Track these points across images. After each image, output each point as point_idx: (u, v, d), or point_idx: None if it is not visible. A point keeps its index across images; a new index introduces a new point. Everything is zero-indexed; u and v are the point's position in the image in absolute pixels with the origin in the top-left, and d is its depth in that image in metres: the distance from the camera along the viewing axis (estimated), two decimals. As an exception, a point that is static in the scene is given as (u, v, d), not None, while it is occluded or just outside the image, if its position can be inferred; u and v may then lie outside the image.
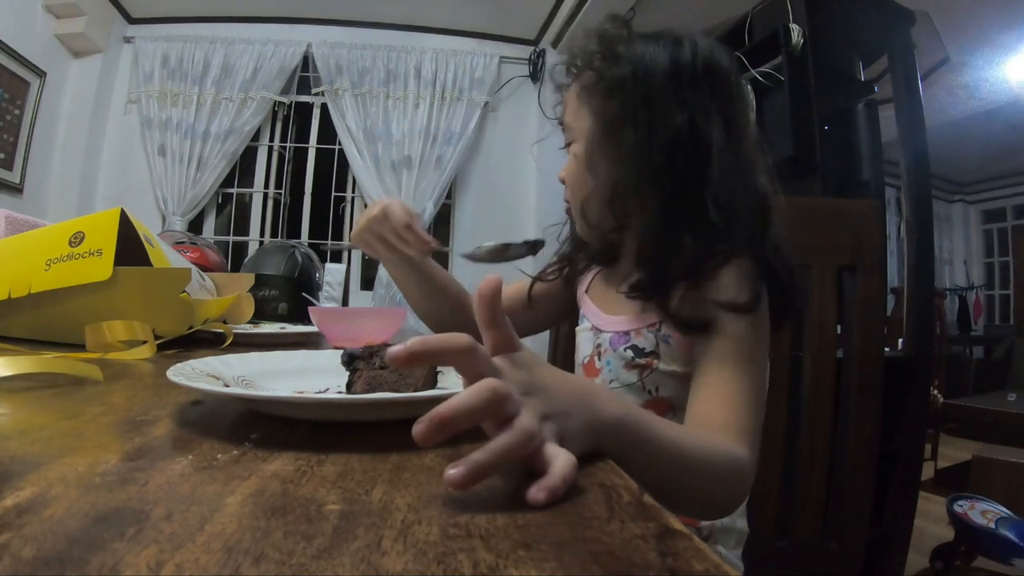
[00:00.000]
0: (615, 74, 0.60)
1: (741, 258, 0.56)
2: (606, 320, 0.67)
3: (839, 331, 0.89)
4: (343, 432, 0.34)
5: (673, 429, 0.42)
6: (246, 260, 1.61)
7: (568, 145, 0.66)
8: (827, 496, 0.85)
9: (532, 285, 0.79)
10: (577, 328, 0.74)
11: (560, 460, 0.26)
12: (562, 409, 0.31)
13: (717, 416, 0.50)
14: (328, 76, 2.99)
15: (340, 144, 3.03)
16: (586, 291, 0.74)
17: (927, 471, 2.38)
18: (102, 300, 0.68)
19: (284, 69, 2.99)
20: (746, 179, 0.58)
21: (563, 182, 0.68)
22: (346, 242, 3.03)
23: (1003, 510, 1.68)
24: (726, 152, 0.57)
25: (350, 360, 0.45)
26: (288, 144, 3.13)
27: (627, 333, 0.63)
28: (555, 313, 0.82)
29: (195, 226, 3.00)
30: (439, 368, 0.46)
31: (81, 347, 0.64)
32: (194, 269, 0.88)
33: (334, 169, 3.12)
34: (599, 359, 0.66)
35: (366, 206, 3.01)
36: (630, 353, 0.62)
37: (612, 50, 0.63)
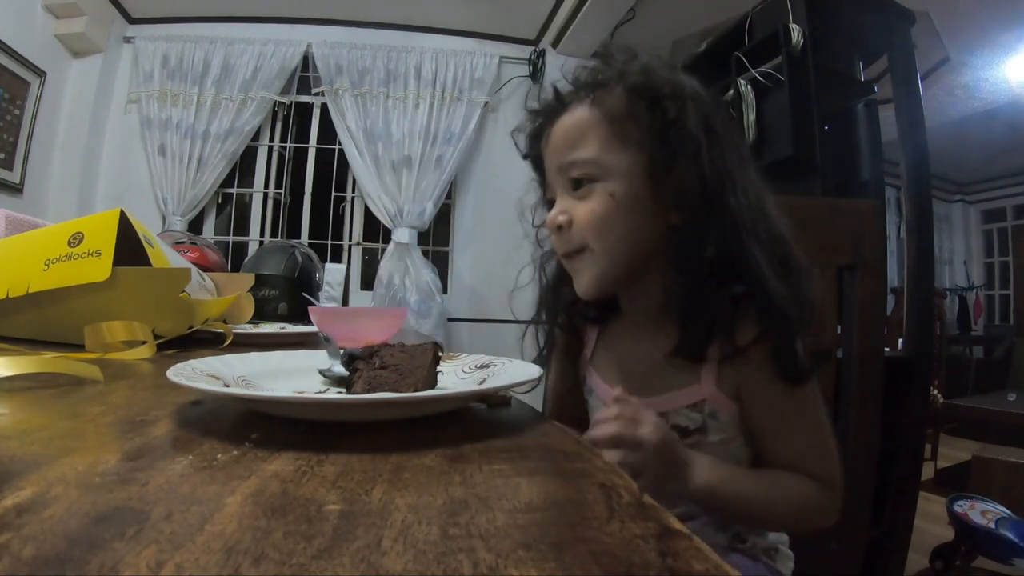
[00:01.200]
0: (686, 111, 0.53)
1: (773, 322, 0.52)
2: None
3: (839, 331, 0.89)
4: (343, 432, 0.34)
5: (760, 485, 0.54)
6: (246, 260, 1.61)
7: (586, 182, 0.56)
8: (827, 496, 0.85)
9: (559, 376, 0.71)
10: (587, 397, 0.67)
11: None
12: (655, 473, 0.48)
13: (803, 467, 0.56)
14: (328, 76, 2.99)
15: (340, 144, 3.03)
16: (590, 359, 0.66)
17: (927, 471, 2.38)
18: (101, 300, 0.68)
19: (284, 69, 2.99)
20: (776, 229, 0.55)
21: (561, 227, 0.57)
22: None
23: (1003, 510, 1.68)
24: (762, 202, 0.55)
25: (350, 360, 0.45)
26: (288, 144, 3.13)
27: (663, 414, 0.56)
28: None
29: (195, 226, 3.00)
30: (439, 368, 0.46)
31: (81, 347, 0.64)
32: (194, 269, 0.88)
33: (334, 169, 3.12)
34: None
35: (366, 206, 3.01)
36: (674, 435, 0.56)
37: (673, 81, 0.55)
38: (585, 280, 0.58)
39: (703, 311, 0.53)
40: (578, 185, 0.56)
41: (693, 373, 0.57)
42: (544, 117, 0.61)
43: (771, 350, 0.53)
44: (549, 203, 0.61)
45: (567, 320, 0.67)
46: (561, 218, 0.57)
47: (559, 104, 0.59)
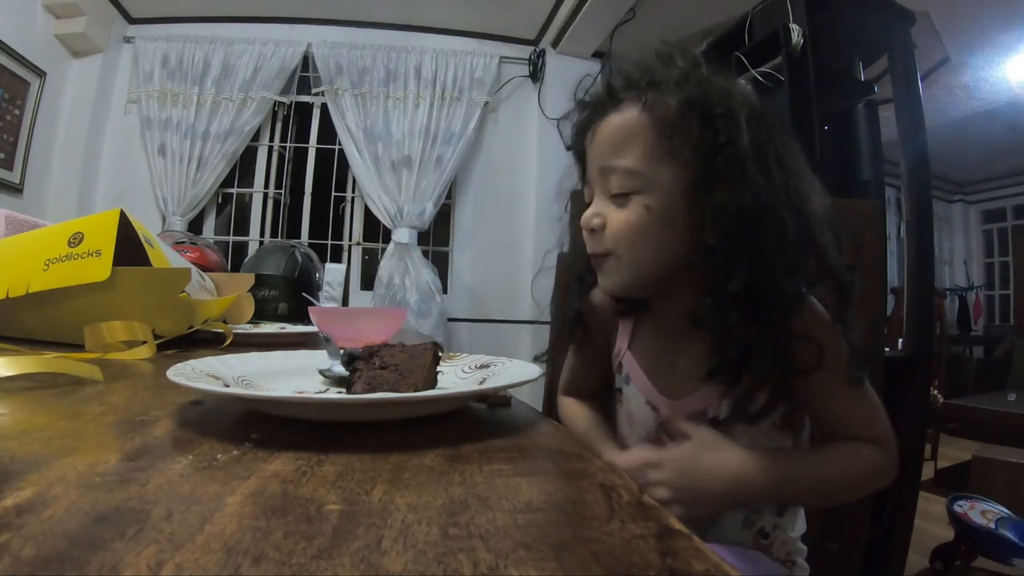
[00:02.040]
0: (726, 127, 0.51)
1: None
2: (669, 403, 0.60)
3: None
4: (343, 432, 0.34)
5: (828, 464, 0.55)
6: (246, 260, 1.61)
7: (627, 194, 0.54)
8: (827, 496, 0.85)
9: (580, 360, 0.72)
10: (622, 385, 0.66)
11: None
12: (694, 499, 0.51)
13: (856, 430, 0.56)
14: (328, 76, 2.99)
15: (340, 144, 3.03)
16: (628, 347, 0.65)
17: (927, 471, 2.38)
18: (101, 300, 0.68)
19: (284, 69, 2.99)
20: (821, 251, 0.53)
21: (595, 230, 0.56)
22: None
23: (1003, 510, 1.68)
24: (823, 221, 0.53)
25: (350, 360, 0.45)
26: (288, 144, 3.13)
27: (703, 411, 0.58)
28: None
29: (195, 226, 3.00)
30: (439, 368, 0.46)
31: (81, 347, 0.64)
32: (194, 269, 0.88)
33: (334, 169, 3.12)
34: (669, 437, 0.60)
35: (366, 206, 3.01)
36: (722, 426, 0.57)
37: (728, 99, 0.53)
38: (608, 282, 0.58)
39: (730, 338, 0.52)
40: (615, 195, 0.55)
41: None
42: (592, 111, 0.58)
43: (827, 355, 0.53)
44: (587, 197, 0.61)
45: (590, 308, 0.66)
46: (596, 221, 0.56)
47: (610, 100, 0.57)
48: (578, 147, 0.60)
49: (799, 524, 0.65)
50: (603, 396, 0.72)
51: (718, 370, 0.53)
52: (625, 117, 0.55)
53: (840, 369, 0.53)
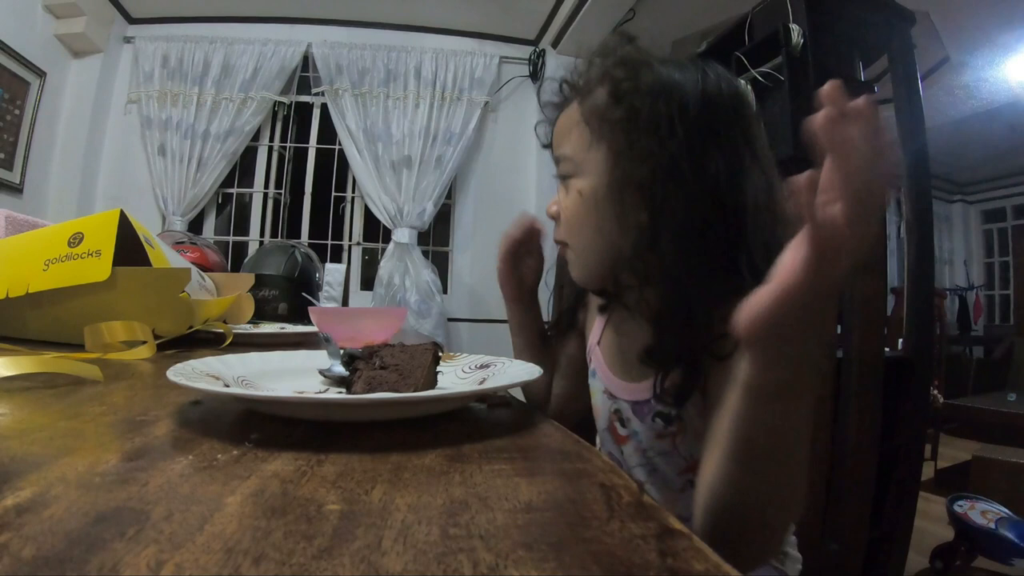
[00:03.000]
0: (647, 105, 0.50)
1: None
2: (622, 387, 0.60)
3: (839, 331, 0.89)
4: (343, 432, 0.34)
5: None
6: (246, 260, 1.61)
7: (566, 177, 0.57)
8: (827, 496, 0.85)
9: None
10: (590, 380, 0.67)
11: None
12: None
13: None
14: (328, 76, 2.99)
15: (340, 144, 3.03)
16: (598, 342, 0.66)
17: (927, 471, 2.38)
18: (101, 300, 0.68)
19: (284, 69, 2.99)
20: (783, 234, 0.47)
21: (554, 218, 0.59)
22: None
23: (1003, 510, 1.68)
24: (763, 207, 0.49)
25: (350, 360, 0.45)
26: (288, 144, 3.13)
27: (649, 400, 0.56)
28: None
29: (195, 226, 3.00)
30: (439, 368, 0.46)
31: (81, 347, 0.64)
32: (194, 269, 0.88)
33: (334, 169, 3.12)
34: (622, 426, 0.61)
35: (366, 206, 3.01)
36: (660, 422, 0.56)
37: (637, 74, 0.52)
38: (572, 272, 0.60)
39: (677, 325, 0.49)
40: (564, 180, 0.58)
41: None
42: (555, 110, 0.62)
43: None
44: None
45: (574, 305, 0.69)
46: (552, 208, 0.59)
47: (563, 99, 0.61)
48: (548, 143, 0.64)
49: None
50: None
51: (648, 355, 0.52)
52: (569, 111, 0.58)
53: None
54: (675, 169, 0.49)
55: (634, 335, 0.58)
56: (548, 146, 0.64)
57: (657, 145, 0.49)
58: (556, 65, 3.08)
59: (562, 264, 0.66)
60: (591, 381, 0.67)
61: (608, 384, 0.62)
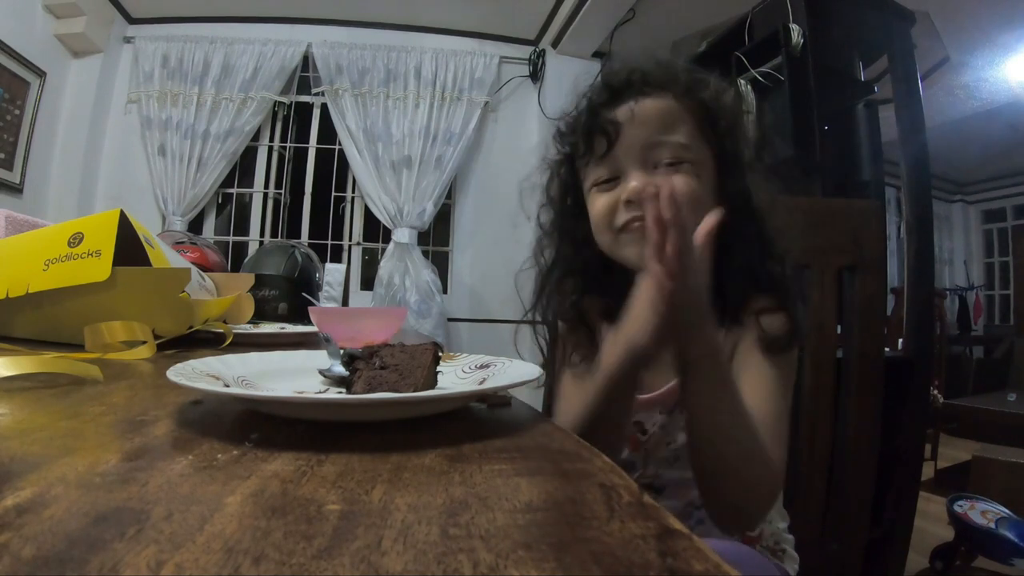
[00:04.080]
0: (740, 121, 0.61)
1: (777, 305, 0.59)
2: (642, 398, 0.62)
3: (839, 331, 0.89)
4: (343, 432, 0.34)
5: (738, 400, 0.50)
6: (246, 260, 1.61)
7: (678, 163, 0.58)
8: (827, 496, 0.85)
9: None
10: None
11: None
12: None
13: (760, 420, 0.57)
14: (328, 76, 2.99)
15: (340, 144, 3.03)
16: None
17: (927, 471, 2.38)
18: (101, 300, 0.68)
19: (284, 69, 2.99)
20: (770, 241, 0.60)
21: (646, 200, 0.53)
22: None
23: (1003, 510, 1.68)
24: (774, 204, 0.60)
25: (350, 360, 0.45)
26: (288, 144, 3.13)
27: (657, 402, 0.62)
28: None
29: (195, 226, 3.00)
30: (439, 368, 0.46)
31: (81, 347, 0.64)
32: (194, 269, 0.88)
33: (334, 169, 3.12)
34: (642, 434, 0.63)
35: (366, 206, 3.01)
36: (686, 415, 0.58)
37: (728, 90, 0.62)
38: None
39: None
40: (668, 164, 0.58)
41: None
42: (620, 94, 0.61)
43: (766, 318, 0.58)
44: (604, 180, 0.62)
45: (576, 312, 0.65)
46: (651, 189, 0.56)
47: (644, 86, 0.60)
48: (592, 124, 0.61)
49: (783, 515, 0.68)
50: None
51: None
52: (665, 103, 0.59)
53: (763, 342, 0.58)
54: (746, 169, 0.59)
55: None
56: (588, 128, 0.62)
57: (739, 157, 0.59)
58: (556, 65, 3.08)
59: (566, 263, 0.66)
60: None
61: None
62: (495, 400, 0.44)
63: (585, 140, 0.62)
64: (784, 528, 0.66)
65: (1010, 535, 1.58)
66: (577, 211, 0.66)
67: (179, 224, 2.84)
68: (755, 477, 0.50)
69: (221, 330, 0.81)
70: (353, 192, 3.13)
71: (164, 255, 0.82)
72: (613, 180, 0.60)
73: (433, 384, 0.44)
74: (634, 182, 0.58)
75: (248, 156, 3.08)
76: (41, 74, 2.61)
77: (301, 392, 0.43)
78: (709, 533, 0.58)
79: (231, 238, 3.12)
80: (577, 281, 0.66)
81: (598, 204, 0.61)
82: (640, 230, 0.57)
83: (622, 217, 0.59)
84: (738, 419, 0.49)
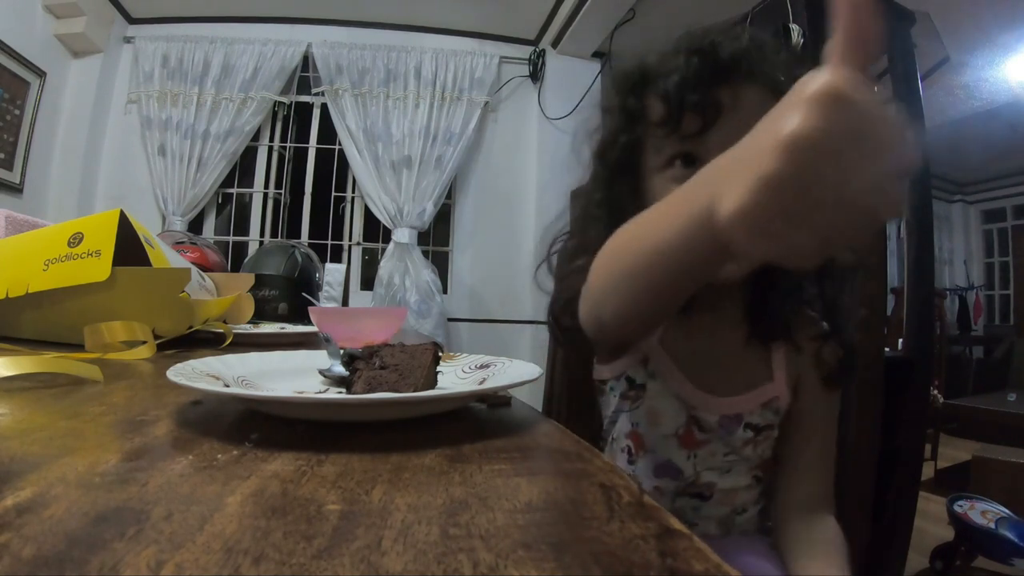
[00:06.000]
0: None
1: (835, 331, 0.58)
2: (708, 400, 0.58)
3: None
4: (343, 432, 0.34)
5: None
6: (246, 260, 1.61)
7: None
8: (827, 496, 0.85)
9: None
10: (643, 381, 0.60)
11: None
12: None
13: (816, 491, 0.58)
14: (328, 76, 2.99)
15: (340, 144, 3.03)
16: (659, 340, 0.60)
17: (927, 471, 2.38)
18: (101, 301, 0.68)
19: (284, 69, 2.99)
20: None
21: None
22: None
23: (1003, 510, 1.68)
24: None
25: (350, 360, 0.45)
26: (288, 144, 3.13)
27: (739, 415, 0.58)
28: None
29: (195, 226, 3.00)
30: (439, 368, 0.46)
31: (81, 347, 0.64)
32: (194, 269, 0.88)
33: (334, 169, 3.12)
34: (700, 430, 0.58)
35: (366, 206, 3.01)
36: (750, 433, 0.58)
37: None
38: (738, 267, 0.52)
39: (778, 302, 0.55)
40: None
41: (766, 370, 0.59)
42: (724, 72, 0.51)
43: (825, 349, 0.57)
44: (677, 162, 0.53)
45: None
46: None
47: (750, 72, 0.51)
48: (699, 106, 0.50)
49: None
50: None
51: (759, 329, 0.57)
52: (765, 95, 0.50)
53: (822, 377, 0.58)
54: None
55: (714, 345, 0.59)
56: (695, 105, 0.51)
57: None
58: (556, 65, 3.08)
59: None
60: (649, 382, 0.60)
61: (683, 393, 0.58)
62: (495, 400, 0.44)
63: (674, 114, 0.52)
64: None
65: (1010, 535, 1.58)
66: (628, 184, 0.57)
67: (179, 224, 2.83)
68: None
69: (221, 330, 0.81)
70: (353, 192, 3.13)
71: (164, 255, 0.82)
72: (689, 165, 0.51)
73: (433, 384, 0.44)
74: None
75: (248, 156, 3.08)
76: (41, 74, 2.61)
77: (301, 392, 0.43)
78: (751, 536, 0.59)
79: (231, 238, 3.12)
80: None
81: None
82: None
83: None
84: None
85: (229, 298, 0.92)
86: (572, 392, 0.79)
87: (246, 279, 1.13)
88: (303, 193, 3.13)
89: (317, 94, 3.07)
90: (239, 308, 1.03)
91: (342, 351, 0.50)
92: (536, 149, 3.07)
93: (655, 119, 0.53)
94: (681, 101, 0.51)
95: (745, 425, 0.58)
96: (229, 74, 2.94)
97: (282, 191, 3.10)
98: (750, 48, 0.52)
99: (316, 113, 3.16)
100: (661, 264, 0.36)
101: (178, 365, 0.41)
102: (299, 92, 3.09)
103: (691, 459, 0.59)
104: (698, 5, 2.61)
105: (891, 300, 2.61)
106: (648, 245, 0.37)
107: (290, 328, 1.08)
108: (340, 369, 0.50)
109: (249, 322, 1.08)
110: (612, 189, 0.58)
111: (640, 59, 0.57)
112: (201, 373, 0.41)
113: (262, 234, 3.08)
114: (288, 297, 1.39)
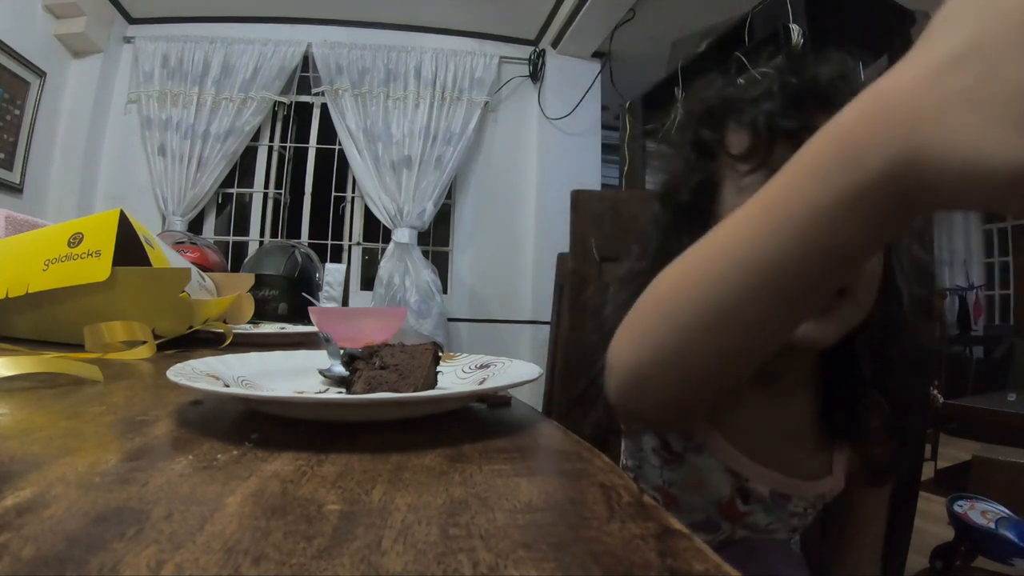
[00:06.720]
0: None
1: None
2: (765, 474, 0.52)
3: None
4: (343, 432, 0.34)
5: None
6: (246, 260, 1.61)
7: None
8: (827, 496, 0.85)
9: None
10: (681, 451, 0.55)
11: None
12: None
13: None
14: (328, 76, 2.99)
15: (340, 144, 3.03)
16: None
17: (927, 471, 2.38)
18: (101, 300, 0.68)
19: (284, 69, 2.99)
20: None
21: None
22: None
23: (1003, 510, 1.68)
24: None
25: (350, 360, 0.45)
26: (288, 144, 3.13)
27: (788, 496, 0.53)
28: None
29: (195, 226, 3.00)
30: (439, 368, 0.46)
31: (81, 347, 0.64)
32: (194, 269, 0.88)
33: (334, 169, 3.12)
34: (744, 503, 0.53)
35: (366, 206, 3.01)
36: (800, 508, 0.54)
37: None
38: (832, 329, 0.46)
39: (855, 392, 0.50)
40: None
41: (826, 463, 0.54)
42: (811, 99, 0.46)
43: (881, 446, 0.54)
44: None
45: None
46: None
47: (828, 102, 0.43)
48: (793, 134, 0.44)
49: None
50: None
51: (830, 416, 0.52)
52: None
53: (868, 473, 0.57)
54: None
55: (777, 420, 0.53)
56: (786, 125, 0.45)
57: None
58: (556, 65, 3.08)
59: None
60: (693, 457, 0.54)
61: (739, 467, 0.52)
62: (495, 400, 0.44)
63: (764, 143, 0.46)
64: None
65: (1010, 535, 1.58)
66: (699, 232, 0.54)
67: (179, 224, 2.84)
68: None
69: (221, 330, 0.81)
70: (353, 192, 3.13)
71: (164, 255, 0.82)
72: None
73: (433, 384, 0.44)
74: None
75: (248, 156, 3.08)
76: (41, 74, 2.61)
77: (301, 392, 0.43)
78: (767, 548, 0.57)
79: (231, 238, 3.12)
80: None
81: None
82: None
83: None
84: None
85: (229, 298, 0.92)
86: (572, 392, 0.79)
87: (246, 279, 1.13)
88: (303, 193, 3.13)
89: (317, 94, 3.07)
90: (239, 308, 1.03)
91: (342, 351, 0.50)
92: (536, 149, 3.07)
93: (738, 151, 0.47)
94: (772, 128, 0.45)
95: (795, 504, 0.54)
96: (229, 74, 2.94)
97: (282, 191, 3.10)
98: (831, 77, 0.46)
99: (316, 113, 3.16)
100: (761, 285, 0.27)
101: (178, 365, 0.41)
102: (299, 92, 3.09)
103: (732, 525, 0.55)
104: (698, 5, 2.62)
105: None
106: (745, 259, 0.27)
107: (290, 328, 1.08)
108: (340, 369, 0.50)
109: (249, 322, 1.08)
110: (680, 237, 0.49)
111: (719, 87, 0.52)
112: (201, 373, 0.41)
113: (262, 234, 3.09)
114: (288, 297, 1.39)
